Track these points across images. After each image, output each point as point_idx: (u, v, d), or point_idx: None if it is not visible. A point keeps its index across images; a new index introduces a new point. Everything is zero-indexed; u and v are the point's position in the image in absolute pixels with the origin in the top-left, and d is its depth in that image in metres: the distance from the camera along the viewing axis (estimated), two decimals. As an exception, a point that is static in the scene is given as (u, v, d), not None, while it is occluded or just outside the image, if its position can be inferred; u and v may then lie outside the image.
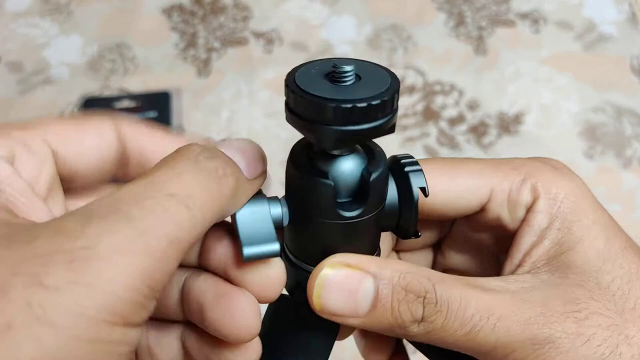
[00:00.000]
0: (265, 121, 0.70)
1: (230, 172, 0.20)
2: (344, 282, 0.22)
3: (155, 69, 0.77)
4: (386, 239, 0.28)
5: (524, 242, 0.25)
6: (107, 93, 0.74)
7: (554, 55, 0.75)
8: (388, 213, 0.23)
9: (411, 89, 0.73)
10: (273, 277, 0.22)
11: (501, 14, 0.79)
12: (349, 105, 0.19)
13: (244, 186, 0.21)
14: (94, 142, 0.23)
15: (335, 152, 0.22)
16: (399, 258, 0.31)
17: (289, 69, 0.21)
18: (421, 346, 0.27)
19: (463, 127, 0.70)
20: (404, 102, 0.72)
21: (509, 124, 0.70)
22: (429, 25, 0.78)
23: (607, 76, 0.73)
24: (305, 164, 0.22)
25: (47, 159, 0.22)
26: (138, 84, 0.75)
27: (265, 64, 0.76)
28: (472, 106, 0.72)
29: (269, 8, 0.81)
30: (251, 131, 0.70)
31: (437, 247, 0.31)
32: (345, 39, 0.78)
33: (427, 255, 0.31)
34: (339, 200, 0.22)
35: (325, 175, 0.21)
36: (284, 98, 0.21)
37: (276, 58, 0.76)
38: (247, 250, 0.21)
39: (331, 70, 0.20)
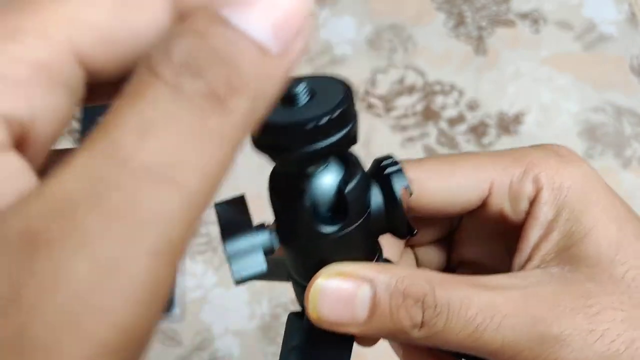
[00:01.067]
0: (265, 121, 0.71)
1: (237, 95, 0.12)
2: (339, 291, 0.22)
3: (155, 69, 0.77)
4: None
5: (532, 235, 0.24)
6: (107, 93, 0.74)
7: (554, 55, 0.75)
8: (376, 218, 0.23)
9: (411, 89, 0.73)
10: None
11: (501, 14, 0.79)
12: (302, 128, 0.19)
13: (265, 89, 0.13)
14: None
15: (310, 170, 0.22)
16: (414, 252, 0.30)
17: None
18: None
19: (463, 127, 0.70)
20: (404, 102, 0.72)
21: (508, 124, 0.70)
22: (428, 26, 0.78)
23: (607, 76, 0.73)
24: (281, 187, 0.23)
25: (75, 80, 0.14)
26: (138, 84, 0.75)
27: (265, 64, 0.76)
28: (472, 106, 0.72)
29: (269, 8, 0.82)
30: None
31: (450, 240, 0.31)
32: (345, 39, 0.78)
33: (440, 249, 0.31)
34: (322, 216, 0.22)
35: (302, 195, 0.21)
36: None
37: (276, 58, 0.76)
38: (237, 275, 0.21)
39: (283, 94, 0.19)
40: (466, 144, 0.69)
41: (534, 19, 0.78)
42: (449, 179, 0.25)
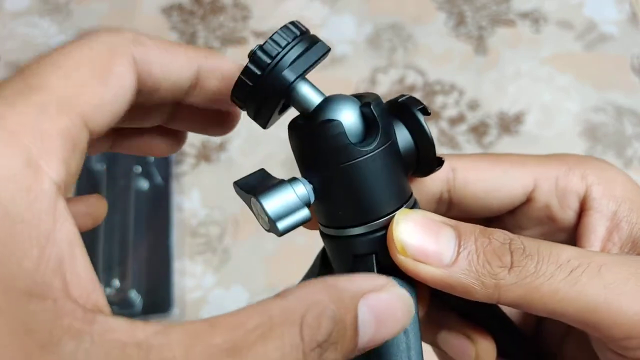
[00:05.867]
0: (265, 121, 0.70)
1: None
2: (424, 224, 0.21)
3: (154, 68, 0.77)
4: None
5: (599, 229, 0.23)
6: (106, 93, 0.74)
7: (555, 55, 0.75)
8: (406, 151, 0.23)
9: (411, 89, 0.73)
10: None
11: (501, 14, 0.79)
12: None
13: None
14: (114, 96, 0.19)
15: (317, 98, 0.22)
16: None
17: None
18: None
19: (463, 127, 0.70)
20: (404, 102, 0.72)
21: (509, 124, 0.70)
22: (429, 25, 0.78)
23: (608, 76, 0.73)
24: (305, 122, 0.22)
25: (85, 144, 0.18)
26: (137, 83, 0.75)
27: (265, 63, 0.76)
28: (473, 106, 0.72)
29: (268, 7, 0.81)
30: (251, 130, 0.70)
31: None
32: (345, 38, 0.78)
33: None
34: (354, 142, 0.22)
35: (331, 123, 0.21)
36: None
37: (276, 58, 0.76)
38: (281, 224, 0.21)
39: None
40: (467, 144, 0.69)
41: (535, 18, 0.78)
42: (491, 170, 0.25)
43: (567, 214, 0.25)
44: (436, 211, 0.26)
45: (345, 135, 0.21)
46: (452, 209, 0.26)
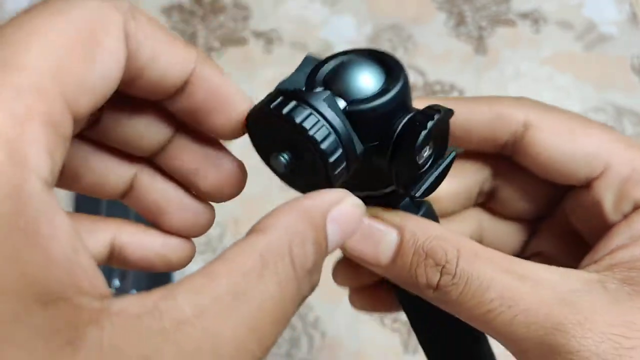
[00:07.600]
0: (265, 121, 0.70)
1: (317, 280, 0.18)
2: (369, 228, 0.22)
3: (155, 68, 0.77)
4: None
5: (615, 239, 0.22)
6: (106, 93, 0.74)
7: (554, 55, 0.75)
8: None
9: (411, 89, 0.73)
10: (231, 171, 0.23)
11: (501, 14, 0.79)
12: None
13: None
14: (103, 71, 0.16)
15: None
16: (484, 223, 0.29)
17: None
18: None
19: (463, 127, 0.70)
20: (404, 102, 0.72)
21: (509, 124, 0.70)
22: (429, 25, 0.78)
23: (608, 76, 0.73)
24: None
25: (68, 130, 0.15)
26: (138, 83, 0.75)
27: (265, 63, 0.76)
28: (473, 106, 0.72)
29: (268, 8, 0.81)
30: (251, 131, 0.70)
31: (535, 227, 0.29)
32: (345, 38, 0.78)
33: (519, 231, 0.29)
34: None
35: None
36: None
37: (276, 58, 0.76)
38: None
39: None
40: (466, 144, 0.69)
41: (534, 19, 0.78)
42: (574, 142, 0.24)
43: (616, 217, 0.23)
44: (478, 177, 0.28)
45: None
46: (520, 157, 0.26)
